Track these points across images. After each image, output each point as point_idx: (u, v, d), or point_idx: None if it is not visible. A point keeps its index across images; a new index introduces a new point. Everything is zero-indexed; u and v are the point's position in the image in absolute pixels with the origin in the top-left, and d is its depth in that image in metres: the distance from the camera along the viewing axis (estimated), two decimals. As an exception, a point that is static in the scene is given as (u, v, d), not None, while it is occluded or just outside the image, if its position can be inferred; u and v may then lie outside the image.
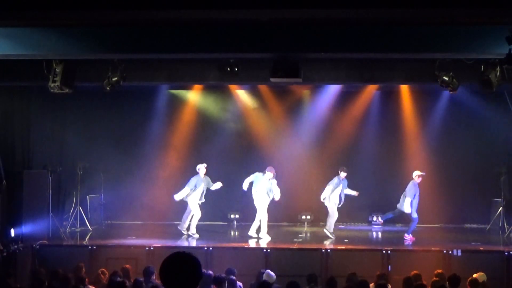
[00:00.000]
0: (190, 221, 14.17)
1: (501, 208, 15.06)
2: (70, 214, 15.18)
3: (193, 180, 14.09)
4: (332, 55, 11.52)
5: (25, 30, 9.92)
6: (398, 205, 13.96)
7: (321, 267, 11.98)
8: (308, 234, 14.98)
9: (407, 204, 13.66)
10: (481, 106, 15.22)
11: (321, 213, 14.62)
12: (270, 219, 13.95)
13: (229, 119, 16.80)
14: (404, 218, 14.55)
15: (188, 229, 14.16)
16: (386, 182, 15.77)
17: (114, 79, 12.02)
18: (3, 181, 12.67)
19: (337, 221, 14.34)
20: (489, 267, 11.15)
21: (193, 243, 13.47)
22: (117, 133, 16.27)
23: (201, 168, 14.19)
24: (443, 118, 15.98)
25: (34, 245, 12.60)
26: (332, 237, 13.80)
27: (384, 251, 12.25)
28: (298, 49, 10.45)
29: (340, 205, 14.17)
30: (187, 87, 16.23)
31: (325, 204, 14.12)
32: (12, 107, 14.63)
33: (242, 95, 16.71)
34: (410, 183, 13.82)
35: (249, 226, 13.99)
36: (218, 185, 14.14)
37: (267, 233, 13.67)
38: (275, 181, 13.82)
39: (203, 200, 14.21)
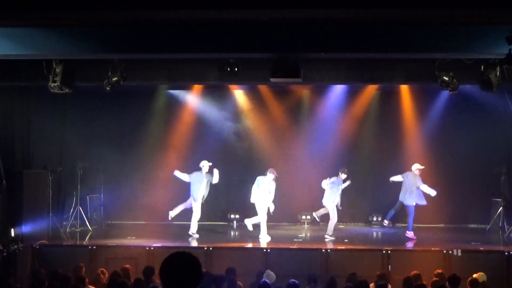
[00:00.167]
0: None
1: (501, 208, 15.05)
2: (70, 214, 15.18)
3: (195, 174, 14.04)
4: (332, 55, 11.52)
5: (25, 30, 9.92)
6: (400, 198, 14.00)
7: (321, 267, 11.98)
8: (308, 234, 14.97)
9: (428, 189, 13.69)
10: (481, 106, 15.21)
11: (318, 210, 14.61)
12: (270, 219, 13.94)
13: (229, 119, 16.80)
14: (405, 217, 14.54)
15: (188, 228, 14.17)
16: (386, 182, 15.71)
17: (114, 79, 12.03)
18: (3, 181, 12.67)
19: (337, 221, 14.34)
20: (489, 267, 11.15)
21: (193, 243, 13.46)
22: (117, 133, 16.27)
23: (205, 165, 14.17)
24: (443, 118, 15.97)
25: (34, 245, 12.61)
26: (333, 238, 13.80)
27: (384, 251, 12.25)
28: (298, 49, 10.45)
29: (340, 207, 14.16)
30: (187, 87, 16.23)
31: (326, 206, 14.08)
32: (12, 107, 14.62)
33: (242, 95, 16.70)
34: (410, 175, 13.85)
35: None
36: (216, 173, 14.08)
37: (267, 233, 13.65)
38: (274, 184, 13.81)
39: (206, 194, 14.18)
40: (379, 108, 16.35)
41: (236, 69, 12.17)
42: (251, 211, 14.13)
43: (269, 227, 13.90)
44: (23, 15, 8.34)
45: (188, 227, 14.16)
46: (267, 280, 9.15)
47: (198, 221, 14.18)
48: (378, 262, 12.00)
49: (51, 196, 14.39)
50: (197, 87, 16.17)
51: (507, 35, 8.92)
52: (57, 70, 11.56)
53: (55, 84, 11.62)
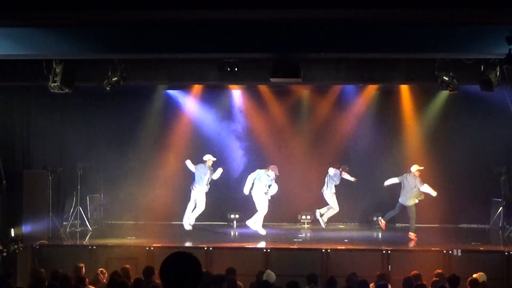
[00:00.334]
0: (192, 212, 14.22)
1: (501, 208, 15.06)
2: (70, 214, 15.18)
3: (200, 166, 14.14)
4: (332, 55, 11.52)
5: (25, 30, 9.92)
6: (400, 200, 13.98)
7: (321, 267, 11.97)
8: (308, 234, 14.97)
9: (428, 189, 13.69)
10: (481, 106, 15.21)
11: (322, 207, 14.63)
12: (270, 219, 13.95)
13: (228, 119, 16.79)
14: (405, 217, 14.54)
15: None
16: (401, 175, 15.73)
17: (114, 79, 12.02)
18: (3, 181, 12.67)
19: (337, 221, 14.35)
20: (489, 267, 11.15)
21: (193, 243, 13.44)
22: (117, 133, 16.26)
23: (210, 159, 14.24)
24: (443, 118, 15.97)
25: (34, 245, 12.60)
26: (325, 221, 13.86)
27: (384, 251, 12.24)
28: (298, 49, 10.45)
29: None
30: (187, 87, 16.22)
31: (326, 197, 14.18)
32: (12, 107, 14.62)
33: (242, 95, 16.70)
34: (410, 176, 13.81)
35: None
36: (219, 171, 14.14)
37: (263, 229, 13.69)
38: (273, 181, 13.83)
39: (208, 187, 14.23)
40: (379, 108, 16.34)
41: (236, 69, 12.16)
42: (251, 211, 14.13)
43: (269, 227, 13.90)
44: (23, 15, 8.34)
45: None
46: (267, 280, 9.15)
47: (197, 214, 14.19)
48: (378, 262, 11.99)
49: (51, 196, 14.39)
50: (197, 87, 16.16)
51: (507, 35, 8.92)
52: (57, 70, 11.56)
53: (55, 84, 11.62)
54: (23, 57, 10.67)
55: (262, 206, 13.70)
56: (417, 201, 13.92)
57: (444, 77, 11.87)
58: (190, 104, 16.67)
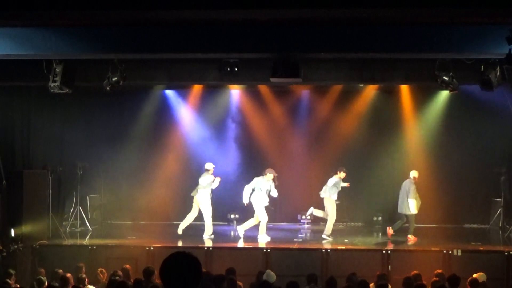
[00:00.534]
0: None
1: (501, 208, 15.05)
2: (70, 214, 15.18)
3: (208, 177, 14.02)
4: (332, 55, 11.52)
5: (25, 30, 9.92)
6: (399, 210, 13.90)
7: (321, 267, 11.97)
8: (308, 234, 14.97)
9: (412, 205, 13.59)
10: (481, 106, 15.21)
11: (320, 209, 14.61)
12: (270, 219, 13.93)
13: (228, 120, 16.79)
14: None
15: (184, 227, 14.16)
16: (387, 182, 15.76)
17: (114, 79, 12.02)
18: (3, 181, 12.67)
19: (337, 221, 14.33)
20: (489, 267, 11.15)
21: (193, 243, 13.42)
22: (117, 133, 16.25)
23: (212, 168, 14.14)
24: (443, 118, 15.96)
25: (34, 245, 12.60)
26: (331, 239, 13.76)
27: (384, 251, 12.25)
28: (298, 49, 10.45)
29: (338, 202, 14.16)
30: (187, 87, 16.22)
31: (325, 204, 14.05)
32: (12, 107, 14.62)
33: (242, 95, 16.69)
34: (408, 183, 13.75)
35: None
36: (217, 180, 14.05)
37: (267, 234, 13.64)
38: (272, 184, 13.78)
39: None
40: (379, 108, 16.33)
41: (236, 69, 12.16)
42: (251, 211, 14.10)
43: (269, 228, 13.89)
44: (23, 15, 8.34)
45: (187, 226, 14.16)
46: (267, 280, 9.15)
47: (197, 221, 14.19)
48: (378, 262, 12.00)
49: (51, 196, 14.38)
50: (197, 87, 16.16)
51: (507, 35, 8.92)
52: (57, 70, 11.56)
53: (55, 84, 11.62)
54: (23, 57, 10.67)
55: (263, 214, 13.65)
56: (415, 211, 13.79)
57: (444, 77, 11.86)
58: (190, 104, 16.66)
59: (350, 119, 16.36)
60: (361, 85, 15.28)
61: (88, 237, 14.25)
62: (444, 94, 15.16)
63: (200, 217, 14.18)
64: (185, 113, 16.71)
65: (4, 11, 8.10)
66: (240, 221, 15.35)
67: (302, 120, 16.73)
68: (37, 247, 12.62)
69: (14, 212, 13.04)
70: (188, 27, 9.83)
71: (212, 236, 13.87)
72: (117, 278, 9.49)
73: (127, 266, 10.60)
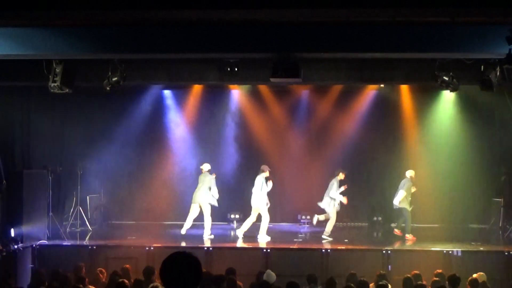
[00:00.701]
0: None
1: (501, 208, 15.05)
2: (70, 214, 15.18)
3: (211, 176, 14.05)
4: (332, 55, 11.52)
5: (25, 30, 9.92)
6: (394, 206, 14.01)
7: (321, 267, 11.97)
8: (308, 234, 14.97)
9: (399, 196, 13.71)
10: (481, 106, 15.21)
11: (321, 213, 14.59)
12: (270, 219, 13.92)
13: (228, 120, 16.79)
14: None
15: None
16: (387, 182, 15.75)
17: (114, 79, 12.02)
18: (3, 181, 12.67)
19: (337, 221, 14.33)
20: (489, 267, 11.15)
21: (193, 243, 13.43)
22: (117, 133, 16.25)
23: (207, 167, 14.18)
24: (443, 118, 15.96)
25: (34, 245, 12.60)
26: (331, 239, 13.77)
27: (384, 251, 12.25)
28: (298, 49, 10.45)
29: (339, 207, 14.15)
30: (187, 87, 16.22)
31: (326, 209, 14.04)
32: (12, 107, 14.62)
33: (242, 95, 16.69)
34: (405, 180, 13.88)
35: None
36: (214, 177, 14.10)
37: (267, 234, 13.64)
38: (265, 180, 13.78)
39: None
40: (379, 108, 16.33)
41: (236, 69, 12.16)
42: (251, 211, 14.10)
43: (269, 228, 13.87)
44: (23, 15, 8.34)
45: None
46: (267, 280, 9.15)
47: (197, 221, 14.19)
48: (378, 262, 11.99)
49: (51, 196, 14.38)
50: (197, 87, 16.17)
51: (507, 35, 8.93)
52: (57, 70, 11.56)
53: (55, 84, 11.62)
54: (23, 57, 10.67)
55: (266, 214, 13.66)
56: (409, 208, 13.88)
57: (444, 77, 11.87)
58: (190, 104, 16.66)
59: (350, 119, 16.36)
60: (361, 85, 15.29)
61: (88, 237, 14.25)
62: (444, 94, 15.15)
63: (200, 217, 14.17)
64: (185, 113, 16.71)
65: (4, 11, 8.10)
66: (240, 221, 15.37)
67: (302, 120, 16.74)
68: (37, 247, 12.62)
69: (14, 212, 13.03)
70: (188, 27, 9.83)
71: (212, 236, 13.87)
72: (117, 278, 9.49)
73: (127, 266, 10.60)
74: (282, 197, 14.61)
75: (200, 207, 13.94)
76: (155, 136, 16.67)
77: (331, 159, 15.87)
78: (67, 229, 14.83)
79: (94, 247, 12.68)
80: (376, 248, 12.72)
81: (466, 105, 15.46)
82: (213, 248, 12.58)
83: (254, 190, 13.65)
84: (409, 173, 14.07)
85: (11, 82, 12.95)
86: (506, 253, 12.01)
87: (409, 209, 13.91)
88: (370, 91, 16.21)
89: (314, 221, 14.23)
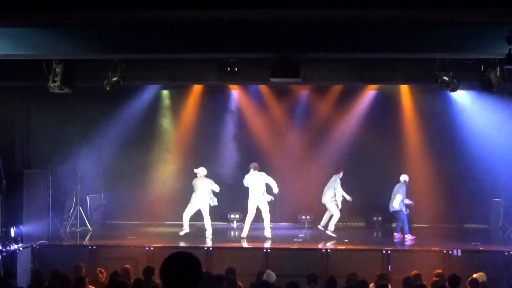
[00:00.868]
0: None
1: (501, 208, 15.05)
2: (70, 214, 15.18)
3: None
4: (332, 55, 11.52)
5: (25, 30, 9.92)
6: (391, 210, 14.05)
7: (321, 267, 11.97)
8: (308, 234, 14.97)
9: (397, 202, 13.74)
10: (481, 105, 15.21)
11: (321, 213, 14.60)
12: (270, 219, 13.93)
13: (228, 119, 16.79)
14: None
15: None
16: (387, 182, 15.72)
17: (114, 79, 12.03)
18: (3, 181, 12.66)
19: (337, 221, 14.34)
20: (489, 267, 11.14)
21: (193, 243, 13.42)
22: (117, 133, 16.25)
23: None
24: (443, 118, 15.96)
25: (34, 245, 12.60)
26: (335, 236, 13.81)
27: (384, 251, 12.24)
28: (298, 49, 10.45)
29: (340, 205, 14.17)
30: (187, 87, 16.22)
31: (328, 206, 14.06)
32: (12, 107, 14.62)
33: (241, 95, 16.69)
34: (399, 186, 13.92)
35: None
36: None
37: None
38: (264, 174, 13.79)
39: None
40: (379, 108, 16.32)
41: (236, 69, 12.17)
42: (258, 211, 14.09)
43: (268, 228, 13.89)
44: (23, 15, 8.35)
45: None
46: (267, 280, 9.14)
47: (197, 221, 14.20)
48: (378, 262, 11.99)
49: (51, 196, 14.38)
50: (197, 87, 16.16)
51: (507, 35, 8.92)
52: (57, 70, 11.56)
53: (55, 84, 11.62)
54: (23, 57, 10.68)
55: (265, 207, 13.71)
56: (399, 208, 13.91)
57: (444, 77, 11.87)
58: (190, 104, 16.65)
59: (350, 119, 16.36)
60: (361, 85, 15.29)
61: (88, 237, 14.24)
62: (444, 94, 15.14)
63: (199, 217, 14.17)
64: (185, 113, 16.70)
65: (4, 11, 8.10)
66: (240, 220, 15.37)
67: (302, 120, 16.72)
68: (37, 247, 12.62)
69: (14, 212, 13.03)
70: (188, 27, 9.83)
71: (211, 236, 13.92)
72: (117, 278, 9.49)
73: (127, 266, 10.60)
74: (282, 197, 14.59)
75: (200, 209, 13.99)
76: (155, 136, 16.67)
77: (331, 159, 15.86)
78: (67, 229, 14.83)
79: (94, 247, 12.67)
80: (376, 248, 12.71)
81: (466, 105, 15.45)
82: (213, 248, 12.58)
83: (259, 188, 13.68)
84: (403, 178, 14.09)
85: (11, 82, 12.95)
86: (506, 253, 12.00)
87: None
88: (370, 91, 16.20)
89: (327, 232, 14.16)
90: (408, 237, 13.76)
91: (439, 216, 15.83)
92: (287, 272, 11.07)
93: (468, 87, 13.11)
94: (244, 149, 16.62)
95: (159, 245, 12.75)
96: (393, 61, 12.42)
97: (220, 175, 15.65)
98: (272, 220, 14.19)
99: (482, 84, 11.63)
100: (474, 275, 9.73)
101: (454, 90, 12.22)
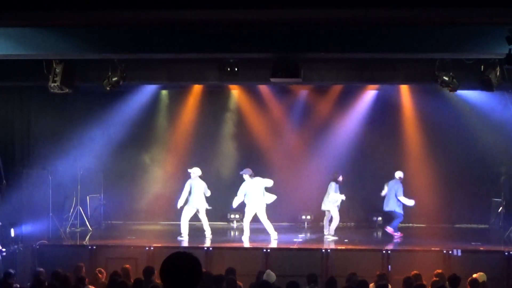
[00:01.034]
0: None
1: (501, 208, 15.05)
2: (70, 214, 15.17)
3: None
4: (332, 55, 11.52)
5: (25, 30, 9.92)
6: (387, 208, 14.05)
7: (321, 267, 11.97)
8: (308, 234, 14.97)
9: (406, 202, 13.73)
10: (481, 106, 15.21)
11: (321, 213, 14.61)
12: (270, 219, 13.93)
13: (228, 119, 16.79)
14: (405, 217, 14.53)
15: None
16: (386, 182, 15.73)
17: (114, 79, 12.03)
18: (3, 181, 12.67)
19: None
20: (489, 267, 11.15)
21: (193, 243, 13.41)
22: (117, 133, 16.24)
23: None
24: (443, 118, 15.95)
25: (34, 245, 12.60)
26: (336, 238, 13.81)
27: (384, 251, 12.25)
28: (298, 49, 10.45)
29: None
30: (187, 87, 16.21)
31: (331, 210, 14.07)
32: (12, 107, 14.61)
33: (241, 95, 16.68)
34: (395, 183, 13.89)
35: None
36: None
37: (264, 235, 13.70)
38: (259, 178, 13.78)
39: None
40: (379, 108, 16.32)
41: (236, 69, 12.16)
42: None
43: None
44: (23, 15, 8.34)
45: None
46: (267, 280, 9.15)
47: (197, 221, 14.19)
48: (378, 262, 11.99)
49: (51, 196, 14.38)
50: (197, 87, 16.15)
51: (507, 35, 8.93)
52: (57, 70, 11.56)
53: (55, 84, 11.62)
54: (23, 57, 10.67)
55: (263, 212, 13.72)
56: (394, 210, 13.94)
57: (444, 77, 11.87)
58: (190, 104, 16.64)
59: (350, 119, 16.35)
60: (361, 85, 15.29)
61: (88, 237, 14.24)
62: (444, 94, 15.13)
63: (197, 217, 14.15)
64: (185, 113, 16.69)
65: (4, 11, 8.10)
66: (240, 221, 15.37)
67: (302, 120, 16.71)
68: (37, 247, 12.62)
69: (14, 212, 13.03)
70: (188, 27, 9.82)
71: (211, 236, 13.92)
72: (117, 278, 9.49)
73: (127, 266, 10.60)
74: (282, 197, 14.58)
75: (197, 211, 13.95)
76: (155, 136, 16.67)
77: (331, 159, 15.86)
78: (67, 229, 14.83)
79: (94, 247, 12.67)
80: (376, 248, 12.72)
81: (466, 105, 15.44)
82: (213, 248, 12.58)
83: (258, 194, 13.66)
84: (398, 174, 14.08)
85: (11, 82, 12.95)
86: (506, 253, 12.01)
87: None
88: (370, 91, 16.20)
89: (329, 238, 14.16)
90: (390, 229, 13.77)
91: (439, 216, 15.83)
92: (287, 272, 11.08)
93: (468, 87, 13.09)
94: (244, 149, 16.62)
95: (159, 245, 12.76)
96: (393, 61, 12.41)
97: (220, 175, 15.65)
98: (272, 220, 14.18)
99: (482, 84, 11.63)
100: (474, 275, 9.73)
101: (454, 90, 12.21)
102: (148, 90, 16.05)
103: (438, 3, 7.95)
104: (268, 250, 12.47)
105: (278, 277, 10.00)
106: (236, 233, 15.14)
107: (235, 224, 15.90)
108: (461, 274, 9.54)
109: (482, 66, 11.48)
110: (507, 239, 14.02)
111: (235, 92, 16.61)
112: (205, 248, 12.48)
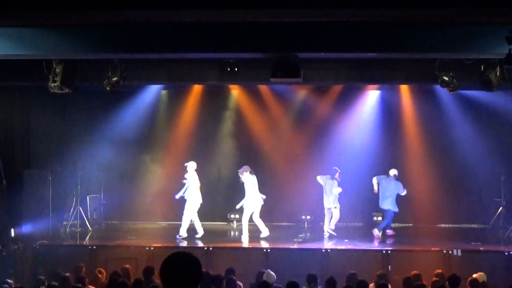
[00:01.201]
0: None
1: (501, 208, 15.05)
2: (70, 214, 15.18)
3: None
4: (332, 55, 11.52)
5: (25, 30, 9.92)
6: (383, 207, 14.07)
7: (321, 267, 11.96)
8: (308, 234, 14.97)
9: (390, 202, 13.81)
10: (481, 106, 15.21)
11: (321, 213, 14.61)
12: (270, 219, 13.95)
13: (228, 119, 16.80)
14: (404, 216, 14.54)
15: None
16: (375, 177, 15.74)
17: (114, 79, 12.03)
18: (3, 181, 12.67)
19: (338, 221, 14.36)
20: (489, 267, 11.15)
21: (193, 243, 13.43)
22: (117, 133, 16.26)
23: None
24: (443, 118, 15.96)
25: (34, 245, 12.60)
26: (335, 234, 13.84)
27: (384, 251, 12.25)
28: (298, 49, 10.45)
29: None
30: (187, 87, 16.22)
31: (333, 208, 14.12)
32: (12, 107, 14.61)
33: (241, 95, 16.69)
34: (389, 180, 13.90)
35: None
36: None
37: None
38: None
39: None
40: (379, 108, 16.33)
41: (236, 69, 12.17)
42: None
43: (269, 227, 13.89)
44: (23, 15, 8.34)
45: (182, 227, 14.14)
46: (267, 280, 9.15)
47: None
48: (378, 262, 11.99)
49: (51, 196, 14.38)
50: (197, 87, 16.16)
51: (507, 35, 8.92)
52: (57, 70, 11.57)
53: (55, 84, 11.63)
54: (23, 57, 10.67)
55: (258, 210, 13.75)
56: (389, 208, 13.97)
57: (444, 77, 11.88)
58: (190, 104, 16.65)
59: (350, 119, 16.36)
60: (361, 85, 15.29)
61: (88, 237, 14.25)
62: (444, 94, 15.14)
63: (200, 217, 14.16)
64: (185, 113, 16.70)
65: (4, 11, 8.10)
66: (241, 221, 15.35)
67: (302, 120, 16.72)
68: (37, 247, 12.62)
69: (14, 212, 13.04)
70: (188, 27, 9.82)
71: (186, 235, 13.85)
72: (117, 278, 9.49)
73: (127, 266, 10.60)
74: (282, 197, 14.60)
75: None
76: (155, 136, 16.68)
77: (331, 158, 15.85)
78: (67, 229, 14.83)
79: (94, 247, 12.68)
80: (376, 248, 12.72)
81: (466, 105, 15.45)
82: (213, 248, 12.58)
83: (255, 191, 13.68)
84: (393, 172, 14.11)
85: (11, 82, 12.95)
86: (506, 253, 12.01)
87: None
88: (370, 91, 16.20)
89: (328, 234, 14.19)
90: (376, 232, 13.79)
91: (439, 216, 15.83)
92: (287, 272, 11.06)
93: (468, 87, 13.09)
94: (244, 149, 16.63)
95: (159, 245, 12.76)
96: (393, 61, 12.42)
97: (220, 175, 15.64)
98: (272, 220, 14.21)
99: (482, 84, 11.63)
100: (474, 275, 9.73)
101: (454, 90, 12.21)
102: (148, 90, 16.06)
103: (438, 3, 7.96)
104: (268, 250, 12.47)
105: (278, 277, 10.00)
106: (236, 233, 15.14)
107: (235, 224, 15.90)
108: (461, 274, 9.53)
109: (482, 66, 11.48)
110: (507, 239, 14.03)
111: (235, 92, 16.61)
112: (205, 248, 12.48)
